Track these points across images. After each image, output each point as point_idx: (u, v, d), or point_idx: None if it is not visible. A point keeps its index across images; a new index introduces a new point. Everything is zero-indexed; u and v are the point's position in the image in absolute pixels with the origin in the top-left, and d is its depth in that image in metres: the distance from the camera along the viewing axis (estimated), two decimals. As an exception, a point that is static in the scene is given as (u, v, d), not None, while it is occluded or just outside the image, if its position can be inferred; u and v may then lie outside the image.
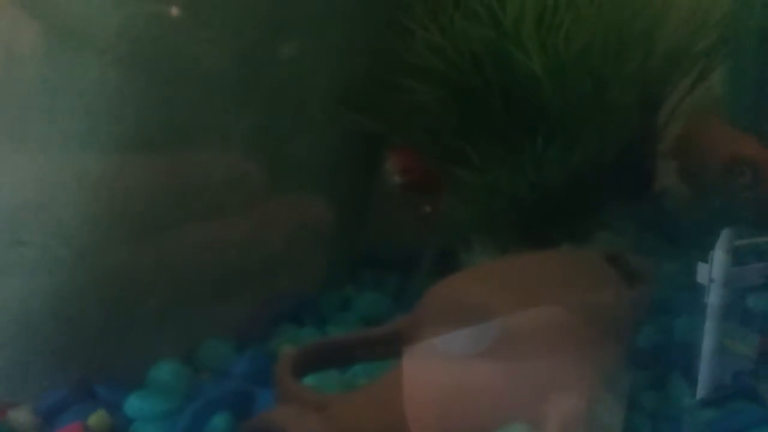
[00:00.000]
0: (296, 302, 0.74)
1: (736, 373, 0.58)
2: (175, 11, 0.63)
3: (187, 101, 0.64)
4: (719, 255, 0.59)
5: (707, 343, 0.60)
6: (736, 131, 0.85)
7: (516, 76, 0.74)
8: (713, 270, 0.59)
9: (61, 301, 0.59)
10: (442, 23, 0.76)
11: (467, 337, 0.48)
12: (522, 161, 0.76)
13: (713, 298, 0.61)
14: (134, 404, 0.59)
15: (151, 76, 0.61)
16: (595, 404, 0.49)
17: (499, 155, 0.77)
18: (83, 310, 0.60)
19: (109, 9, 0.59)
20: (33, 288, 0.59)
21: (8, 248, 0.58)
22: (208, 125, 0.66)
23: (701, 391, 0.59)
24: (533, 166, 0.75)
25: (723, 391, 0.57)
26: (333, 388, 0.55)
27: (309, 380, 0.52)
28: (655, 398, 0.55)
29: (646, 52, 0.75)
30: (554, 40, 0.72)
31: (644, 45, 0.75)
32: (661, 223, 0.88)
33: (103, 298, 0.60)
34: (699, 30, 0.78)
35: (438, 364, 0.49)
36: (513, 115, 0.77)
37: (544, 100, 0.74)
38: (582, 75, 0.73)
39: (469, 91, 0.76)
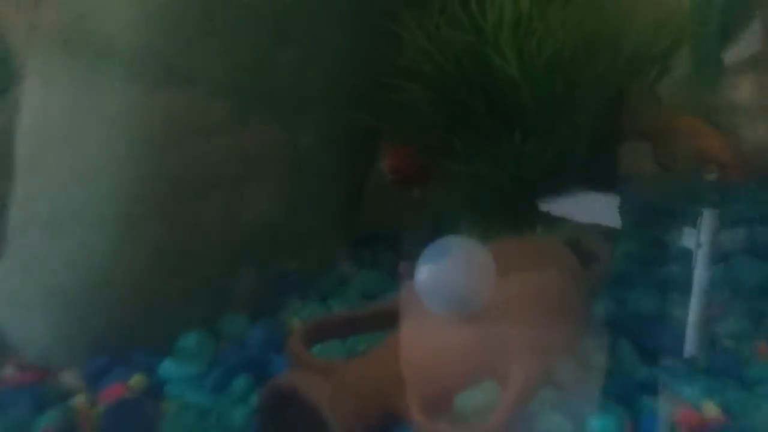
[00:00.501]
0: (301, 279, 0.83)
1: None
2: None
3: (204, 104, 0.73)
4: (707, 220, 0.65)
5: (694, 306, 0.66)
6: (705, 127, 0.92)
7: (495, 77, 0.81)
8: (700, 235, 0.66)
9: (103, 283, 0.68)
10: (428, 30, 0.84)
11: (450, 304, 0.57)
12: (502, 154, 0.84)
13: (700, 262, 0.67)
14: (168, 368, 0.68)
15: (171, 86, 0.70)
16: (551, 364, 0.59)
17: (481, 148, 0.86)
18: (121, 289, 0.69)
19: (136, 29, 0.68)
20: (77, 273, 0.68)
21: (55, 237, 0.68)
22: (226, 121, 0.74)
23: (689, 351, 0.64)
24: (512, 159, 0.84)
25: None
26: (336, 355, 0.65)
27: (316, 349, 0.62)
28: (605, 358, 0.65)
29: (612, 55, 0.83)
30: (528, 46, 0.80)
31: (610, 49, 0.83)
32: (630, 205, 0.97)
33: (138, 279, 0.69)
34: (658, 33, 0.86)
35: (426, 330, 0.59)
36: (493, 112, 0.84)
37: (521, 100, 0.81)
38: (554, 77, 0.81)
39: (453, 90, 0.84)
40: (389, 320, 0.61)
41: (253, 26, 0.74)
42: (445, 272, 0.58)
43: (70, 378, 0.69)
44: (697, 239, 0.73)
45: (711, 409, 0.57)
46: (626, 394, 0.59)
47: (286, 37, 0.77)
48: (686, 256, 0.82)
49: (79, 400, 0.66)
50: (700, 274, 0.68)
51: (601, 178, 0.91)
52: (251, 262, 0.78)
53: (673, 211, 0.89)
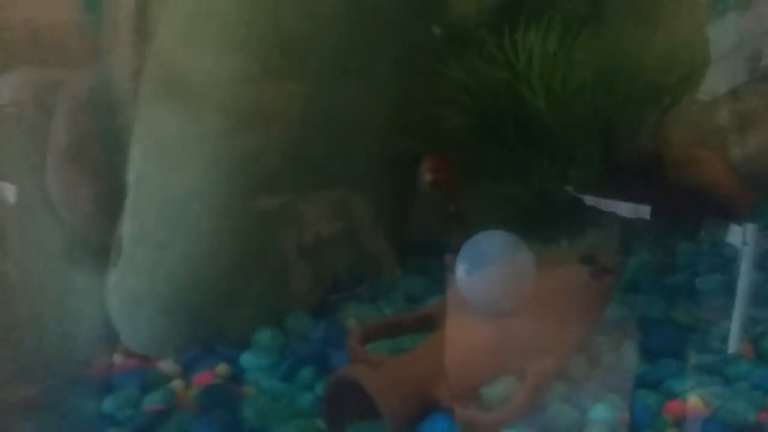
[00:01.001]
0: (356, 283, 0.97)
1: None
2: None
3: (277, 136, 0.86)
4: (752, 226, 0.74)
5: (743, 280, 0.75)
6: (716, 160, 1.02)
7: (525, 108, 0.92)
8: (747, 233, 0.75)
9: (196, 288, 0.82)
10: (467, 66, 0.96)
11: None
12: (530, 175, 0.96)
13: (746, 259, 0.76)
14: (247, 359, 0.81)
15: (255, 123, 0.83)
16: (564, 362, 0.71)
17: (511, 170, 0.98)
18: (210, 293, 0.83)
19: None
20: (177, 279, 0.82)
21: (159, 249, 0.82)
22: (296, 148, 0.87)
23: (733, 344, 0.75)
24: (538, 179, 0.95)
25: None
26: (386, 352, 0.78)
27: (370, 347, 0.75)
28: (613, 358, 0.77)
29: (628, 86, 0.93)
30: (554, 81, 0.91)
31: (627, 81, 0.93)
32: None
33: (223, 285, 0.83)
34: (671, 65, 0.96)
35: (460, 333, 0.72)
36: (523, 138, 0.96)
37: (548, 127, 0.92)
38: (577, 108, 0.92)
39: (488, 119, 0.95)
40: (430, 323, 0.74)
41: (320, 67, 0.87)
42: (485, 269, 0.71)
43: (167, 366, 0.83)
44: (743, 238, 0.84)
45: (695, 401, 0.69)
46: (625, 388, 0.71)
47: (347, 73, 0.89)
48: (688, 265, 0.93)
49: (177, 384, 0.80)
50: (746, 272, 0.77)
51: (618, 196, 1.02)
52: (315, 268, 0.91)
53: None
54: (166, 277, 0.82)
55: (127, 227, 0.83)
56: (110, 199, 0.87)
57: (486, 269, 0.75)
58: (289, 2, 0.84)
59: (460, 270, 0.74)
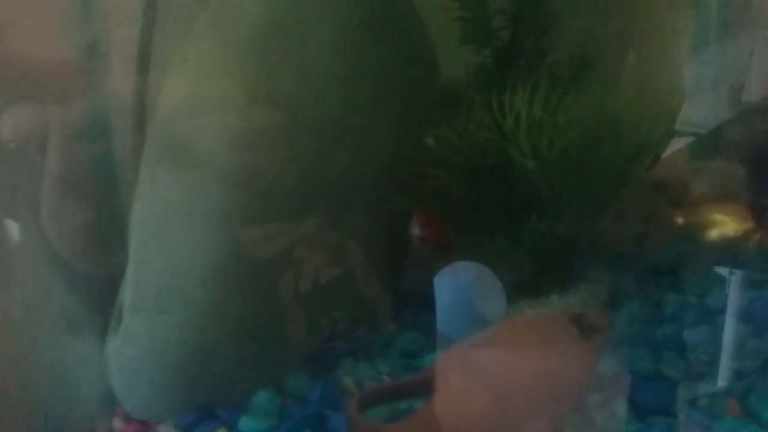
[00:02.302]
0: (352, 340, 0.98)
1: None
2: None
3: (277, 203, 0.88)
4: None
5: (728, 332, 0.81)
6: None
7: (514, 167, 0.94)
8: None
9: (195, 353, 0.83)
10: (457, 128, 0.98)
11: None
12: (519, 231, 0.99)
13: (733, 290, 0.81)
14: (246, 423, 0.82)
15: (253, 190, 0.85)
16: (559, 422, 0.73)
17: (501, 227, 1.00)
18: (209, 357, 0.84)
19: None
20: (176, 346, 0.83)
21: (159, 316, 0.84)
22: (297, 208, 0.89)
23: (722, 381, 0.80)
24: (528, 235, 0.98)
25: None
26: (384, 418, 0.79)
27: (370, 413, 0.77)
28: (606, 416, 0.79)
29: (613, 145, 0.97)
30: (541, 143, 0.94)
31: (611, 140, 0.96)
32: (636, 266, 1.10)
33: (222, 349, 0.85)
34: (653, 124, 0.99)
35: (454, 398, 0.73)
36: (512, 196, 0.99)
37: (536, 186, 0.95)
38: (564, 167, 0.95)
39: (478, 178, 0.97)
40: (429, 386, 0.76)
41: (319, 128, 0.89)
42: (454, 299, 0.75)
43: (165, 430, 0.84)
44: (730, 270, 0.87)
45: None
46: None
47: (344, 134, 0.92)
48: (675, 317, 0.96)
49: (177, 449, 0.82)
50: (734, 302, 0.83)
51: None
52: (312, 322, 0.93)
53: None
54: (165, 343, 0.83)
55: (127, 294, 0.84)
56: (105, 232, 0.90)
57: (455, 299, 0.82)
58: (288, 68, 0.87)
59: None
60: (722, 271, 1.01)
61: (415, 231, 1.04)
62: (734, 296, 0.94)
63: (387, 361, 0.93)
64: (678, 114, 1.03)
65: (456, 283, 0.86)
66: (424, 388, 0.75)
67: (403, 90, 0.98)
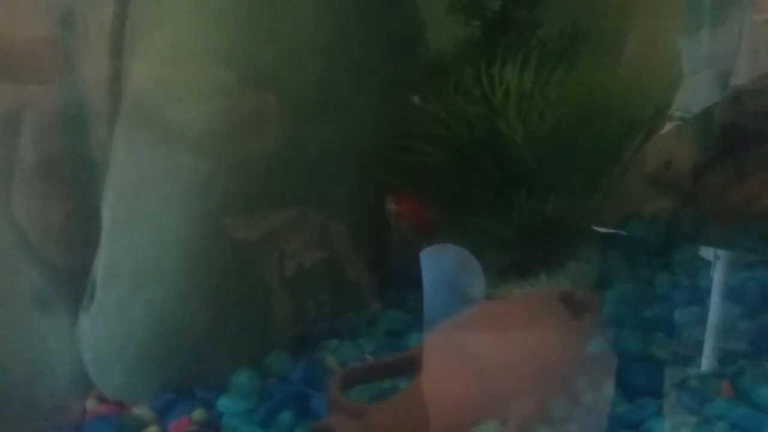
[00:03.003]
0: (335, 319, 0.96)
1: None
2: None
3: (256, 178, 0.85)
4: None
5: (713, 314, 0.79)
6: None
7: (503, 142, 0.92)
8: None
9: (172, 331, 0.81)
10: (445, 101, 0.96)
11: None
12: (507, 208, 0.96)
13: (724, 271, 0.80)
14: (224, 403, 0.80)
15: (231, 163, 0.82)
16: (546, 403, 0.71)
17: (490, 203, 0.98)
18: (186, 335, 0.81)
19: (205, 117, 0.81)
20: (151, 322, 0.80)
21: (133, 292, 0.80)
22: (276, 184, 0.86)
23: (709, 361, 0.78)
24: (517, 213, 0.95)
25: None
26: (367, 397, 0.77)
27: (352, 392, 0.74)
28: (593, 396, 0.77)
29: (604, 121, 0.94)
30: (531, 117, 0.91)
31: (602, 116, 0.94)
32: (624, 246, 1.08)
33: (200, 327, 0.82)
34: (645, 100, 0.97)
35: (440, 377, 0.71)
36: (500, 172, 0.97)
37: (526, 162, 0.93)
38: (554, 143, 0.93)
39: (466, 153, 0.95)
40: (412, 366, 0.73)
41: (299, 103, 0.86)
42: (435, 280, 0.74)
43: (141, 411, 0.81)
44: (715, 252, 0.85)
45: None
46: (607, 428, 0.71)
47: (326, 108, 0.89)
48: (666, 297, 0.94)
49: (152, 431, 0.79)
50: (725, 282, 0.81)
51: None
52: (294, 303, 0.90)
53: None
54: (140, 320, 0.80)
55: (100, 269, 0.81)
56: (81, 220, 0.86)
57: (436, 279, 0.81)
58: (268, 40, 0.84)
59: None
60: (708, 251, 0.99)
61: (391, 207, 1.01)
62: (726, 276, 0.92)
63: (371, 341, 0.91)
64: (675, 92, 1.01)
65: (436, 263, 0.85)
66: (408, 368, 0.73)
67: (388, 62, 0.95)
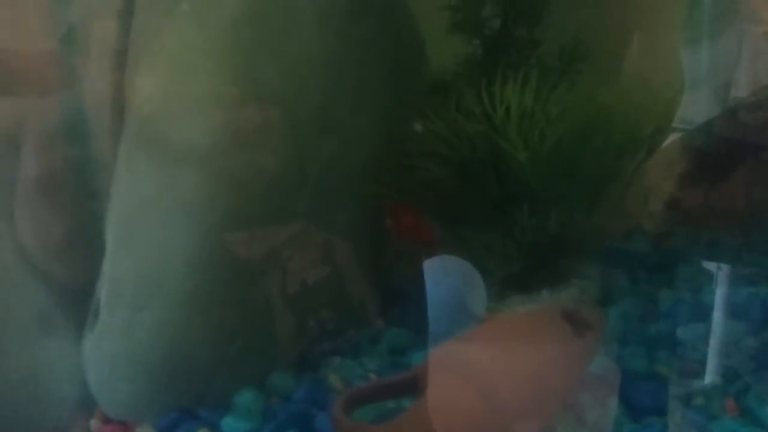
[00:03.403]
0: (338, 337, 0.96)
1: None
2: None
3: (259, 195, 0.85)
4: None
5: (717, 331, 0.80)
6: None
7: (504, 160, 0.93)
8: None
9: (176, 351, 0.80)
10: (446, 119, 0.96)
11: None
12: (510, 225, 0.96)
13: (728, 287, 0.81)
14: (228, 423, 0.80)
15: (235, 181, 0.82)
16: (551, 422, 0.71)
17: (492, 220, 0.98)
18: (190, 355, 0.81)
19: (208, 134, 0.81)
20: (155, 343, 0.80)
21: (137, 312, 0.80)
22: (278, 202, 0.86)
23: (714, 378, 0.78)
24: (519, 230, 0.96)
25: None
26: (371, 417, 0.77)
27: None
28: (598, 415, 0.76)
29: (605, 138, 0.95)
30: (532, 134, 0.92)
31: (603, 133, 0.94)
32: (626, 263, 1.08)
33: (203, 347, 0.82)
34: (645, 118, 0.97)
35: (443, 397, 0.71)
36: (502, 189, 0.97)
37: (527, 179, 0.93)
38: (555, 160, 0.93)
39: (467, 170, 0.96)
40: (416, 385, 0.73)
41: (302, 121, 0.87)
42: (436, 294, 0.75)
43: (145, 430, 0.81)
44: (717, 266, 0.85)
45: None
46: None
47: (329, 126, 0.89)
48: (670, 313, 0.94)
49: (157, 451, 0.79)
50: (729, 298, 0.82)
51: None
52: (297, 321, 0.90)
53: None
54: (144, 340, 0.80)
55: (104, 289, 0.81)
56: (84, 238, 0.86)
57: (437, 294, 0.81)
58: (270, 57, 0.84)
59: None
60: (710, 266, 0.99)
61: (389, 221, 1.02)
62: (729, 293, 0.92)
63: (374, 359, 0.91)
64: (677, 108, 1.01)
65: (438, 278, 0.85)
66: (412, 387, 0.72)
67: (389, 80, 0.96)
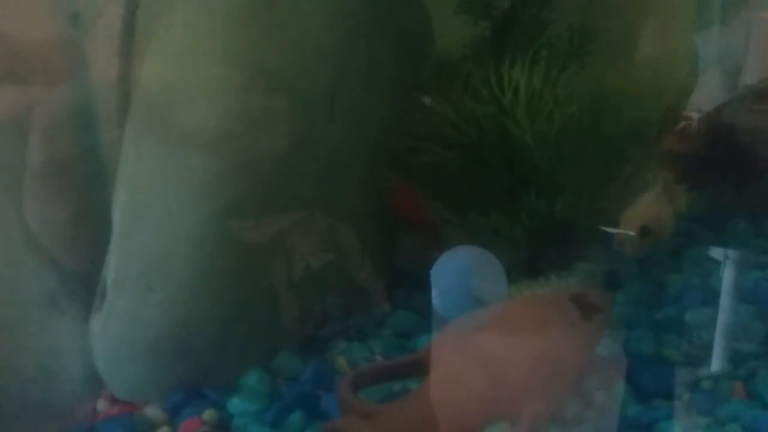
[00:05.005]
0: (344, 320, 0.96)
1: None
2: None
3: (266, 180, 0.85)
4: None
5: (725, 315, 0.80)
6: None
7: (512, 143, 0.92)
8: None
9: (182, 332, 0.81)
10: (454, 102, 0.96)
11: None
12: (518, 209, 0.96)
13: (736, 271, 0.81)
14: (235, 404, 0.80)
15: (242, 164, 0.82)
16: (558, 404, 0.71)
17: (498, 203, 0.97)
18: (197, 336, 0.81)
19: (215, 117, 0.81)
20: (162, 324, 0.81)
21: (144, 293, 0.80)
22: (285, 185, 0.86)
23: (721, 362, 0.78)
24: (526, 214, 0.95)
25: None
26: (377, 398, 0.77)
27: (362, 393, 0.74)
28: (604, 397, 0.76)
29: (614, 121, 0.94)
30: (540, 117, 0.91)
31: (613, 116, 0.94)
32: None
33: (210, 328, 0.82)
34: (656, 100, 0.96)
35: (451, 377, 0.71)
36: (510, 172, 0.96)
37: (535, 162, 0.93)
38: (563, 143, 0.92)
39: (475, 153, 0.95)
40: (423, 367, 0.73)
41: (309, 104, 0.86)
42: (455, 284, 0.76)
43: (152, 412, 0.81)
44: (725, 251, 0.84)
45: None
46: (618, 430, 0.71)
47: (335, 110, 0.89)
48: (677, 298, 0.93)
49: (164, 431, 0.79)
50: (728, 283, 0.81)
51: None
52: (304, 304, 0.90)
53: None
54: (151, 321, 0.80)
55: (110, 270, 0.81)
56: (92, 221, 0.86)
57: (456, 284, 0.81)
58: (277, 41, 0.84)
59: (434, 292, 0.80)
60: (717, 251, 0.98)
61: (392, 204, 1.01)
62: (737, 277, 0.91)
63: (380, 341, 0.91)
64: (689, 92, 1.00)
65: (455, 267, 0.85)
66: (418, 369, 0.73)
67: (397, 62, 0.95)
